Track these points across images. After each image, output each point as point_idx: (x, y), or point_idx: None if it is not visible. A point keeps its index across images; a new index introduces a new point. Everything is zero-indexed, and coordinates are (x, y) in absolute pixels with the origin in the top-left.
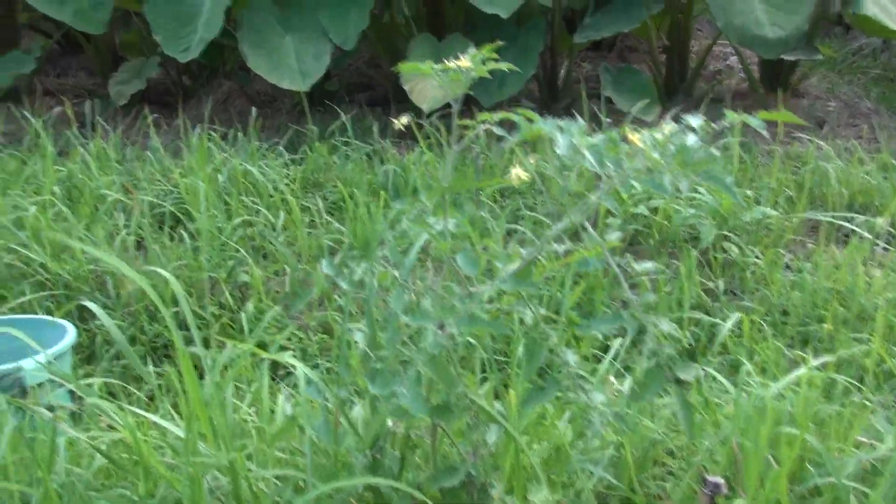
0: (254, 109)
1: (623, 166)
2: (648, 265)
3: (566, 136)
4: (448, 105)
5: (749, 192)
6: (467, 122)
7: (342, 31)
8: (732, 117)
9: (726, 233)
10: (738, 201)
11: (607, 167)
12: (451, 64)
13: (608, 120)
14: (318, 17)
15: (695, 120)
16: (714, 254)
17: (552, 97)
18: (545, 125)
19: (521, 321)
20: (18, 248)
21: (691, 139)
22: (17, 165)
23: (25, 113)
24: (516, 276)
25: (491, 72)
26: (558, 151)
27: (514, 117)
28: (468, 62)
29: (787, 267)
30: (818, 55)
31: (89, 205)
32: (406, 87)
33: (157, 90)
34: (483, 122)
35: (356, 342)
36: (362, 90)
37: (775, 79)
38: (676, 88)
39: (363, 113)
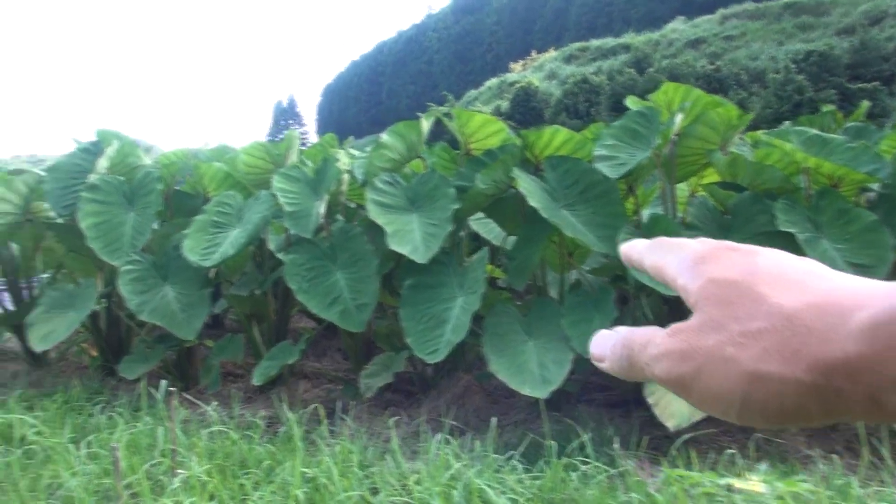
0: (493, 420)
1: None
2: None
3: None
4: (704, 425)
5: None
6: None
7: (584, 339)
8: None
9: None
10: None
11: None
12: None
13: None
14: (560, 323)
15: None
16: None
17: None
18: None
19: None
20: None
21: None
22: (269, 461)
23: (284, 407)
24: None
25: None
26: None
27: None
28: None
29: None
30: None
31: None
32: (649, 400)
33: (401, 378)
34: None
35: None
36: (601, 390)
37: None
38: None
39: (602, 417)
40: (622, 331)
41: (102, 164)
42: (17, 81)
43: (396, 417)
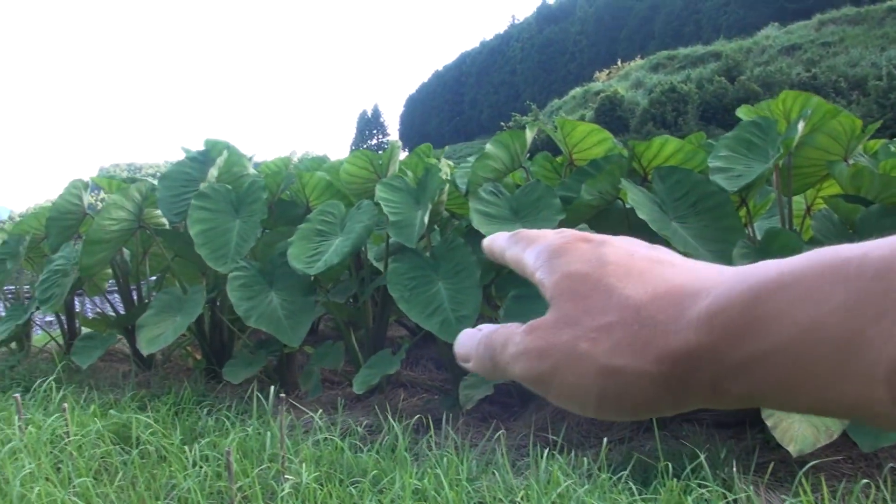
0: (605, 440)
1: None
2: None
3: None
4: (824, 450)
5: None
6: None
7: None
8: None
9: None
10: None
11: None
12: None
13: None
14: None
15: None
16: None
17: None
18: None
19: None
20: None
21: None
22: (375, 470)
23: (389, 417)
24: None
25: None
26: None
27: None
28: None
29: None
30: None
31: None
32: (768, 422)
33: (499, 390)
34: None
35: None
36: (707, 409)
37: None
38: None
39: (713, 438)
40: (485, 329)
41: (213, 173)
42: (117, 92)
43: (500, 431)
